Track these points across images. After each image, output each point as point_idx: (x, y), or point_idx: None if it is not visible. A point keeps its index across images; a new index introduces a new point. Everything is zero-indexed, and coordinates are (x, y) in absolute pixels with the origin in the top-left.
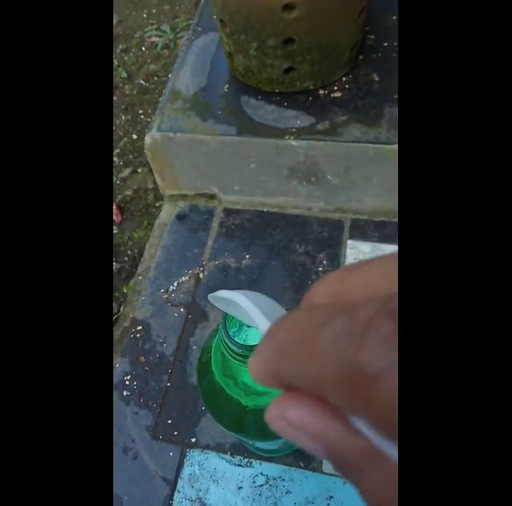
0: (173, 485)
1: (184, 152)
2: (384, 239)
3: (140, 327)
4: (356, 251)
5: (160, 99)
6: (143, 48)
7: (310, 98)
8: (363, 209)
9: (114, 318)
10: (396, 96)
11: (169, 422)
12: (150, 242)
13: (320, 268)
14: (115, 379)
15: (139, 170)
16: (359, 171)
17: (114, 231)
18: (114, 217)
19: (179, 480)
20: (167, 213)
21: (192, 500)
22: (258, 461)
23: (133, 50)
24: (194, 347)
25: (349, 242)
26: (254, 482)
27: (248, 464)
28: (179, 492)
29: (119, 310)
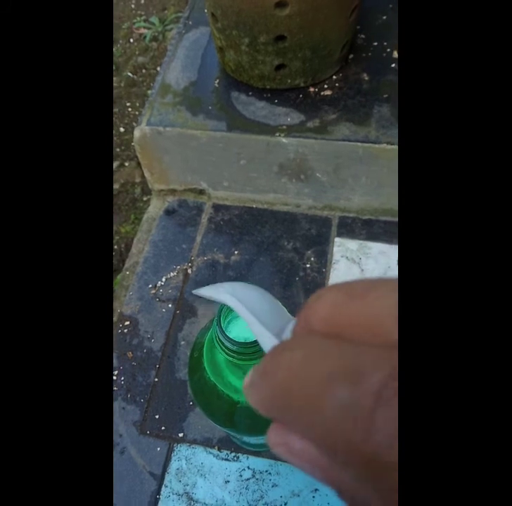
0: (160, 480)
1: (174, 146)
2: (371, 237)
3: (128, 323)
4: (344, 248)
5: (149, 92)
6: (131, 40)
7: (301, 96)
8: (351, 207)
9: None
10: (385, 95)
11: (157, 417)
12: (138, 237)
13: (308, 265)
14: None
15: (126, 164)
16: (348, 170)
17: None
18: None
19: (166, 475)
20: (155, 208)
21: (179, 495)
22: (245, 455)
23: (121, 41)
24: (182, 342)
25: (337, 239)
26: (241, 476)
27: (235, 458)
28: (166, 486)
29: None
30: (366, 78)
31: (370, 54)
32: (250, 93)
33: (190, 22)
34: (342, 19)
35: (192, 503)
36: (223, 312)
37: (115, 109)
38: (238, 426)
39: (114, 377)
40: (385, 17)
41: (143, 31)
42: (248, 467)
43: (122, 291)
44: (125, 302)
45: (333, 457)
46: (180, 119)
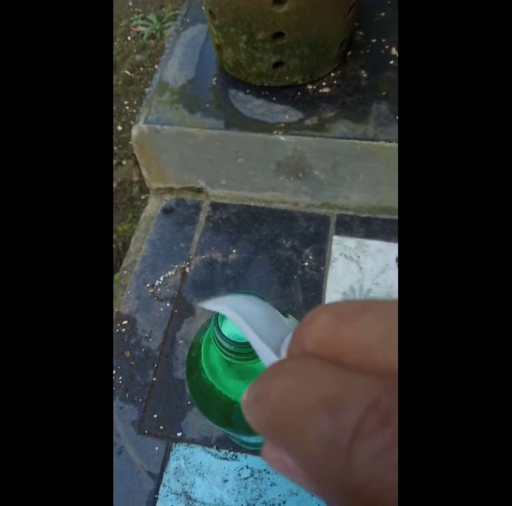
0: (158, 479)
1: (171, 144)
2: (369, 235)
3: (125, 322)
4: (342, 246)
5: (146, 90)
6: (129, 38)
7: (299, 93)
8: (349, 204)
9: None
10: (384, 93)
11: (155, 416)
12: (135, 236)
13: (306, 263)
14: None
15: (124, 162)
16: (346, 167)
17: None
18: None
19: (165, 474)
20: (153, 206)
21: (178, 494)
22: (243, 454)
23: (118, 39)
24: (180, 342)
25: (335, 237)
26: (239, 475)
27: (233, 457)
28: (165, 486)
29: None
30: (365, 75)
31: (368, 51)
32: (248, 91)
33: (188, 20)
34: (340, 16)
35: (190, 502)
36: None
37: (113, 108)
38: (235, 426)
39: (113, 377)
40: (383, 14)
41: (140, 29)
42: (247, 466)
43: (119, 290)
44: (123, 301)
45: (318, 482)
46: (177, 117)
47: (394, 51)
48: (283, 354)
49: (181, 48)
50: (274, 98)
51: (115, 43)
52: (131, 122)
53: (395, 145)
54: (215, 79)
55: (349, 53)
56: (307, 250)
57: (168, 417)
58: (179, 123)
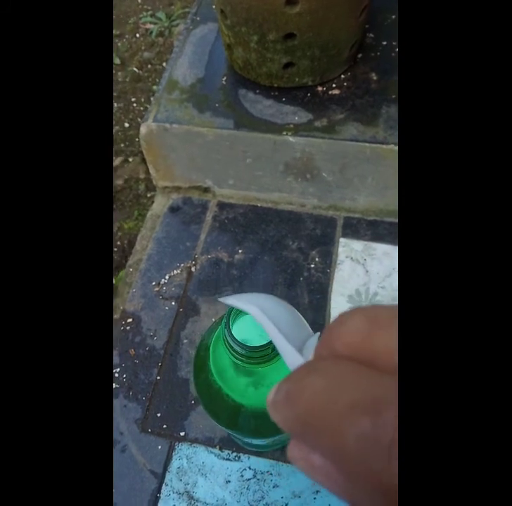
0: (161, 478)
1: (180, 143)
2: (376, 238)
3: (130, 320)
4: (349, 249)
5: (154, 87)
6: (137, 35)
7: (308, 95)
8: (357, 207)
9: None
10: (394, 96)
11: (158, 415)
12: (141, 234)
13: (312, 265)
14: None
15: (130, 159)
16: (355, 170)
17: None
18: None
19: (167, 473)
20: (159, 205)
21: (180, 493)
22: (246, 455)
23: (127, 36)
24: (185, 341)
25: (342, 240)
26: (242, 476)
27: (236, 458)
28: (167, 485)
29: None
30: (375, 78)
31: (379, 53)
32: (258, 91)
33: (198, 18)
34: (352, 18)
35: (192, 502)
36: (231, 314)
37: (120, 104)
38: (242, 428)
39: (116, 375)
40: (394, 17)
41: (149, 26)
42: (249, 467)
43: (125, 288)
44: (128, 299)
45: (352, 481)
46: (187, 116)
47: None
48: (310, 356)
49: (191, 47)
50: (284, 99)
51: (124, 40)
52: (139, 119)
53: None
54: (225, 78)
55: (360, 55)
56: (313, 252)
57: (171, 416)
58: (188, 122)
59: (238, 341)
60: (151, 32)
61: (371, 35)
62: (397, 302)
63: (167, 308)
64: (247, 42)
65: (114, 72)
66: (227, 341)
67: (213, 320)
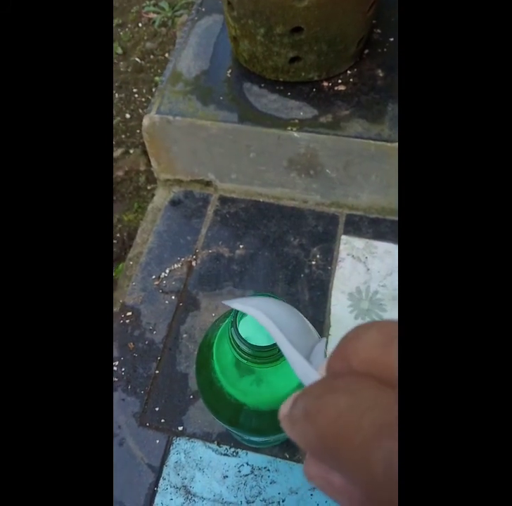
0: (158, 472)
1: (183, 136)
2: (378, 236)
3: (130, 313)
4: (350, 246)
5: (157, 78)
6: (140, 24)
7: (314, 90)
8: (359, 204)
9: None
10: None
11: (157, 409)
12: (142, 227)
13: (313, 262)
14: None
15: (131, 151)
16: (359, 167)
17: None
18: None
19: (165, 467)
20: (160, 198)
21: (177, 488)
22: (244, 451)
23: (129, 25)
24: (184, 335)
25: (343, 237)
26: (239, 471)
27: (234, 453)
28: (164, 479)
29: None
30: (381, 74)
31: (385, 50)
32: (263, 85)
33: (203, 9)
34: (360, 13)
35: (189, 497)
36: (239, 313)
37: (121, 95)
38: (243, 427)
39: (115, 368)
40: None
41: (152, 15)
42: (247, 463)
43: (125, 281)
44: (128, 292)
45: (375, 504)
46: (190, 109)
47: None
48: (320, 363)
49: (195, 38)
50: (289, 94)
51: (126, 30)
52: (140, 110)
53: None
54: (230, 71)
55: (367, 51)
56: (315, 249)
57: (170, 410)
58: (192, 115)
59: (245, 341)
60: (154, 22)
61: (378, 31)
62: (397, 301)
63: (166, 302)
64: (254, 35)
65: (116, 61)
66: (234, 340)
67: (213, 315)
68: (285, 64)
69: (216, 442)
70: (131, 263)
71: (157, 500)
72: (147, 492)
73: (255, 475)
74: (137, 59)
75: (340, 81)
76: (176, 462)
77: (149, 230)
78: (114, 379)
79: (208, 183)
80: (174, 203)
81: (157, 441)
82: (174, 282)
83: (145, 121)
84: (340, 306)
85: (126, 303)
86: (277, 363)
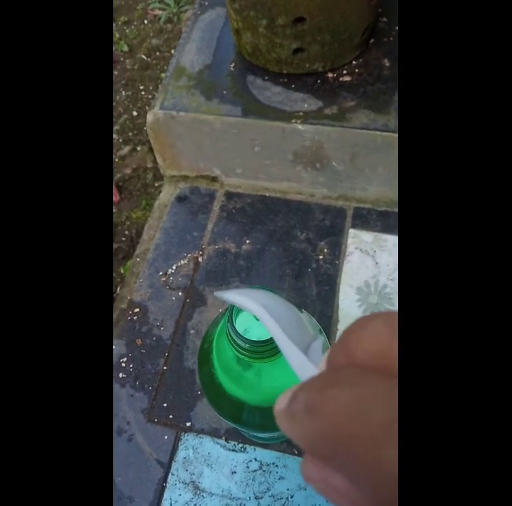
0: (167, 468)
1: (187, 132)
2: (386, 229)
3: (137, 310)
4: (358, 240)
5: (163, 75)
6: (146, 21)
7: (318, 81)
8: (367, 197)
9: None
10: None
11: (165, 405)
12: (149, 224)
13: (320, 256)
14: None
15: (139, 148)
16: (365, 159)
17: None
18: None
19: (173, 463)
20: (166, 194)
21: (186, 483)
22: (252, 447)
23: (135, 22)
24: (191, 331)
25: (351, 230)
26: (247, 467)
27: (242, 449)
28: (173, 475)
29: (116, 292)
30: (387, 64)
31: (392, 39)
32: (266, 78)
33: (206, 3)
34: (364, 1)
35: (198, 492)
36: (235, 308)
37: (128, 93)
38: (246, 424)
39: (123, 364)
40: None
41: (157, 12)
42: (255, 459)
43: (132, 278)
44: (135, 289)
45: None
46: (194, 104)
47: None
48: (319, 359)
49: (198, 33)
50: (293, 86)
51: (132, 27)
52: (147, 108)
53: None
54: (233, 64)
55: (372, 40)
56: (322, 243)
57: (178, 406)
58: (195, 109)
59: (241, 336)
60: (159, 18)
61: (384, 19)
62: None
63: (173, 298)
64: (256, 27)
65: (122, 59)
66: (230, 335)
67: (220, 310)
68: (288, 55)
69: (224, 438)
70: (138, 259)
71: (166, 495)
72: (156, 487)
73: (264, 471)
74: (143, 56)
75: (345, 71)
76: (185, 457)
77: (156, 227)
78: (123, 375)
79: (214, 179)
80: (180, 199)
81: (166, 437)
82: (180, 279)
83: (149, 117)
84: (348, 300)
85: (134, 299)
86: (275, 358)
